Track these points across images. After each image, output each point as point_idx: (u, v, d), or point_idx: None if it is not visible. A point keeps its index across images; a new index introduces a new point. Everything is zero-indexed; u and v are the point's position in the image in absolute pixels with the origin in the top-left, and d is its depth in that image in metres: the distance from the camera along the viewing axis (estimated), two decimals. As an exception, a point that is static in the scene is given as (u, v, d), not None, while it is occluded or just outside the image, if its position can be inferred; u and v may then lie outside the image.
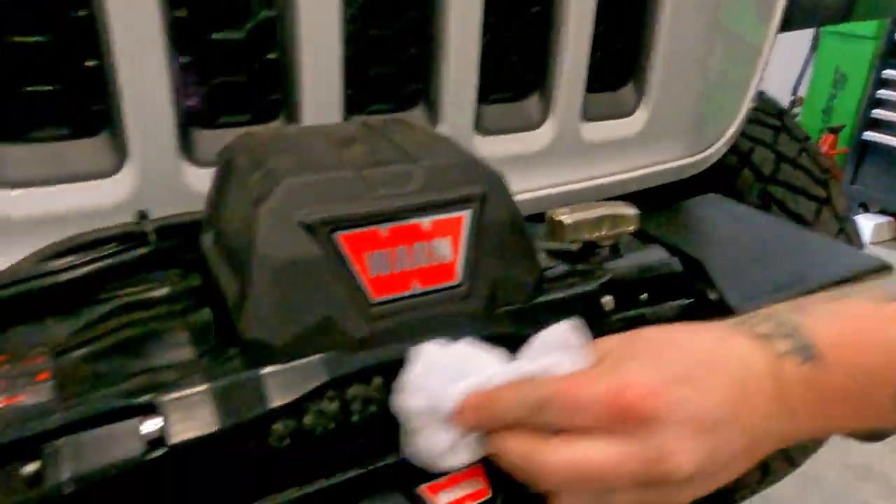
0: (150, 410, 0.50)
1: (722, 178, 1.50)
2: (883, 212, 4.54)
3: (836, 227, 1.58)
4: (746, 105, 1.13)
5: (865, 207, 4.64)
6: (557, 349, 0.53)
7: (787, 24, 1.14)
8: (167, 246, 0.66)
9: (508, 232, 0.63)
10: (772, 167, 1.55)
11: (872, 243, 4.45)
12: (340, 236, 0.55)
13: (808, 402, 0.50)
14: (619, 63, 0.97)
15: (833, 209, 1.60)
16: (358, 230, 0.55)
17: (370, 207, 0.56)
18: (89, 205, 0.65)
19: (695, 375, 0.48)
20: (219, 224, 0.62)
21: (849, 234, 1.57)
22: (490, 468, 0.57)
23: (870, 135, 4.39)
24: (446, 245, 0.60)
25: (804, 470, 2.46)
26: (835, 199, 1.61)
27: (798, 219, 1.53)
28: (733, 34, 1.04)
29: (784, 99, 5.33)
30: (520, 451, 0.49)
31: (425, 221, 0.58)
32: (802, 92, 5.31)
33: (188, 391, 0.51)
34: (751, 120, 1.55)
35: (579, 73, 0.89)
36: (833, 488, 2.42)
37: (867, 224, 4.47)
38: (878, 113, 4.31)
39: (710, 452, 0.47)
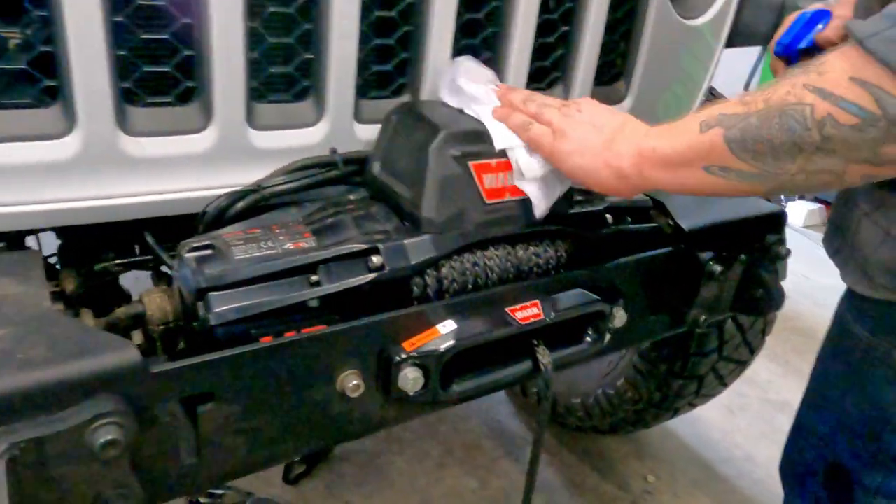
0: (375, 252, 0.93)
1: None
2: (816, 199, 5.14)
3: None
4: (698, 101, 1.59)
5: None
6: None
7: (730, 43, 1.60)
8: (349, 171, 1.08)
9: (557, 169, 1.07)
10: (717, 148, 2.02)
11: (805, 227, 5.06)
12: (472, 164, 0.98)
13: (655, 131, 0.90)
14: (613, 65, 1.42)
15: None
16: (481, 161, 0.99)
17: (487, 149, 0.99)
18: (302, 143, 1.06)
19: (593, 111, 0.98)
20: (388, 156, 1.04)
21: (769, 200, 2.05)
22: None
23: (807, 129, 4.95)
24: (524, 174, 1.03)
25: (732, 402, 3.02)
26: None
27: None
28: (691, 50, 1.49)
29: (739, 90, 5.90)
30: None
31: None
32: (753, 87, 5.88)
33: (395, 243, 0.94)
34: (703, 111, 2.02)
35: (591, 69, 1.33)
36: (754, 416, 2.97)
37: (801, 210, 5.08)
38: (816, 110, 4.87)
39: (576, 127, 0.95)
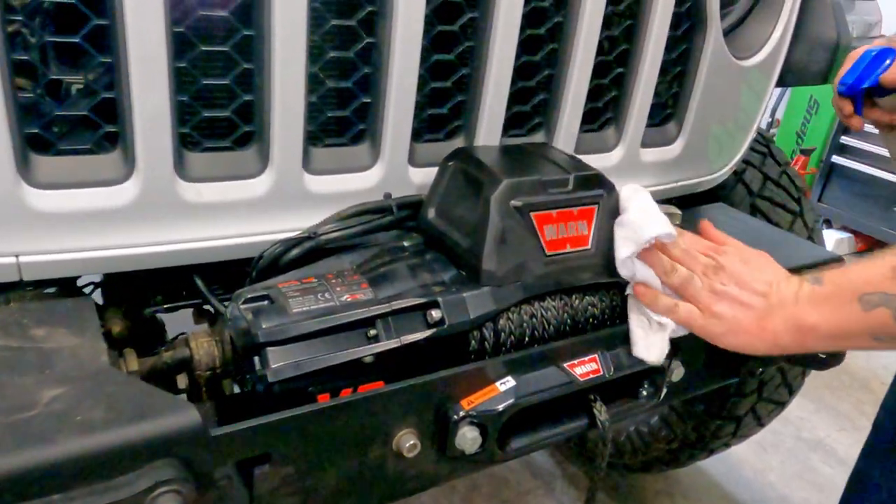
0: (434, 305, 0.90)
1: (721, 192, 1.92)
2: (845, 228, 5.06)
3: (806, 234, 2.02)
4: (749, 140, 1.56)
5: (829, 224, 5.15)
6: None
7: (782, 82, 1.57)
8: (403, 216, 1.05)
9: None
10: (759, 185, 1.98)
11: (833, 256, 4.97)
12: (533, 214, 0.95)
13: (809, 302, 0.93)
14: (665, 106, 1.39)
15: (804, 220, 2.04)
16: (542, 212, 0.96)
17: (548, 199, 0.96)
18: (356, 187, 1.04)
19: (758, 266, 1.01)
20: (444, 202, 1.01)
21: (815, 241, 2.01)
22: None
23: (838, 158, 4.90)
24: (584, 225, 1.00)
25: (764, 440, 2.94)
26: (806, 212, 2.04)
27: (777, 227, 1.96)
28: (744, 91, 1.46)
29: (763, 121, 5.85)
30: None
31: (575, 210, 0.99)
32: (780, 115, 5.82)
33: (455, 296, 0.91)
34: (745, 146, 1.97)
35: (644, 111, 1.30)
36: (787, 455, 2.89)
37: (830, 239, 4.99)
38: (846, 139, 4.83)
39: (724, 306, 0.98)
